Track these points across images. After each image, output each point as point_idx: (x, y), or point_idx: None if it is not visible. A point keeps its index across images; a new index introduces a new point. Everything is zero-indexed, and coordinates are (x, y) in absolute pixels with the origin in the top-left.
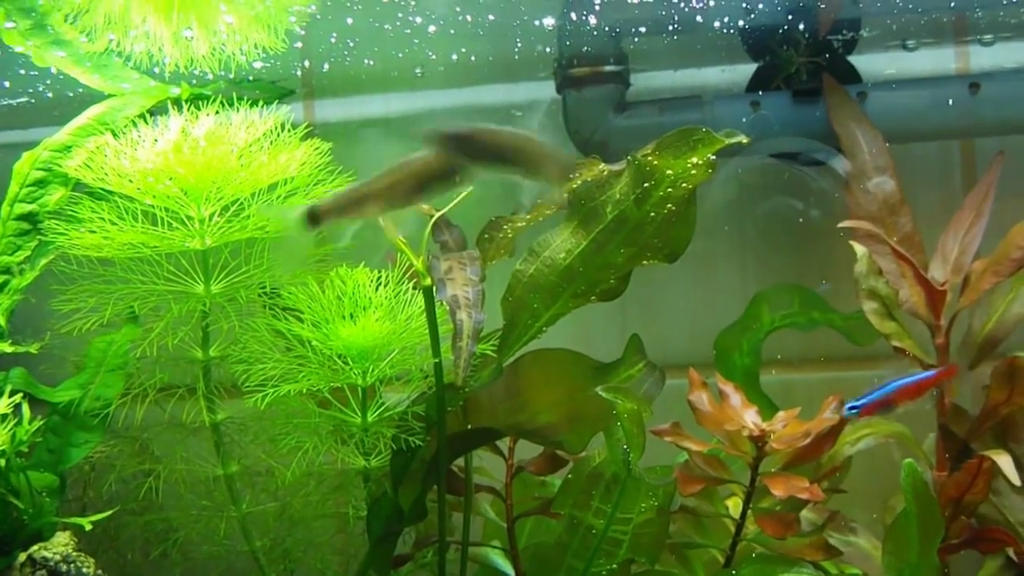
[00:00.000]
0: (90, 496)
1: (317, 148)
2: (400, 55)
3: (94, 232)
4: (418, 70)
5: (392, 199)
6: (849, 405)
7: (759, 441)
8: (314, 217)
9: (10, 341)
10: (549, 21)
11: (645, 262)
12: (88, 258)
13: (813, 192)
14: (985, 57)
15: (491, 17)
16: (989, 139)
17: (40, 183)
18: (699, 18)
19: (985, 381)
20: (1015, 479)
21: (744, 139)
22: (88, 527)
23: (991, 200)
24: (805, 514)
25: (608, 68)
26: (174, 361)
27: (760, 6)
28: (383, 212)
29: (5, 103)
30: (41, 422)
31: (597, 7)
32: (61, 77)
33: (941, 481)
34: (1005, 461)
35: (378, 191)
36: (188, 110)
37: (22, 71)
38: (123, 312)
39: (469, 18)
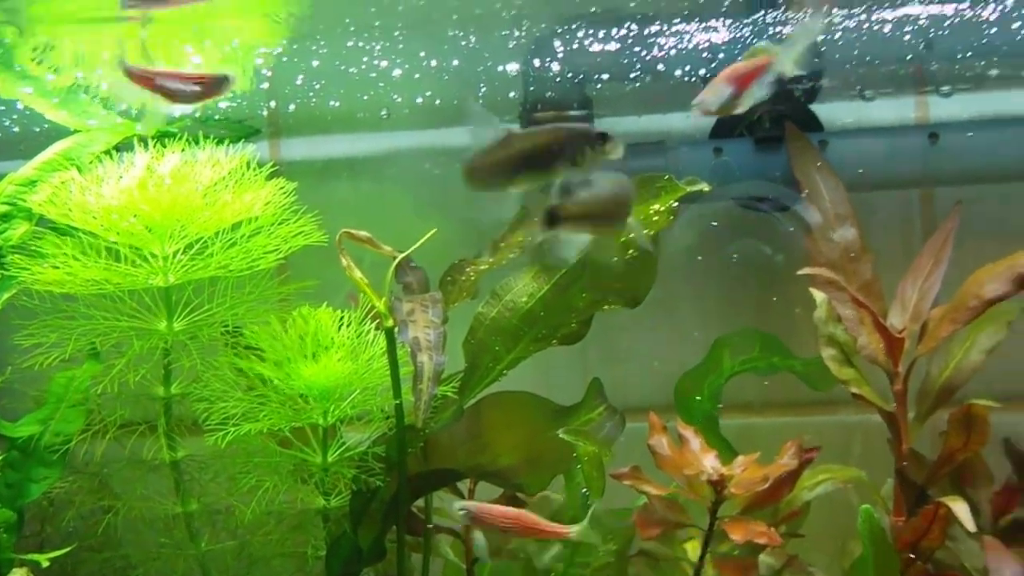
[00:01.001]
0: (48, 532)
1: (282, 187)
2: (365, 97)
3: (58, 267)
4: (384, 112)
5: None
6: None
7: (718, 486)
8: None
9: None
10: (513, 67)
11: (607, 307)
12: (51, 293)
13: (775, 237)
14: (944, 108)
15: (455, 62)
16: (948, 188)
17: (4, 217)
18: (661, 66)
19: (942, 427)
20: (971, 526)
21: (706, 187)
22: (45, 563)
23: (949, 248)
24: (763, 558)
25: (572, 112)
26: (135, 398)
27: (722, 55)
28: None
29: None
30: (1, 457)
31: (560, 54)
32: (27, 112)
33: (898, 526)
34: (961, 508)
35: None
36: (154, 147)
37: None
38: (85, 348)
39: (434, 63)
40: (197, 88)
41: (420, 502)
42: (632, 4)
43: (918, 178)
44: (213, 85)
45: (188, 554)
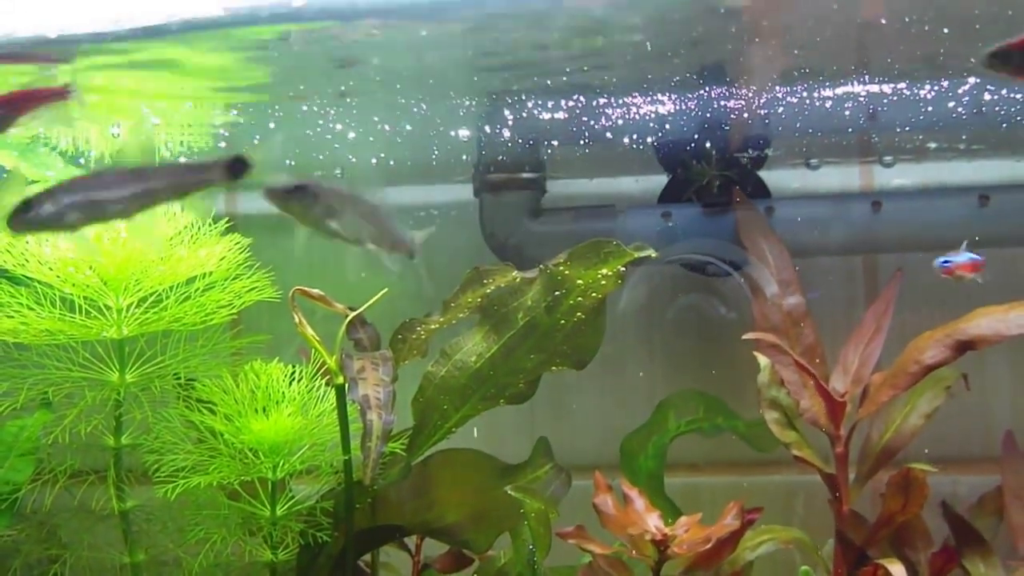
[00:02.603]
0: None
1: (237, 243)
2: (321, 157)
3: (11, 316)
4: (338, 171)
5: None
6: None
7: (661, 545)
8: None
9: None
10: (465, 133)
11: (554, 368)
12: (4, 342)
13: (721, 299)
14: (887, 176)
15: (408, 127)
16: (890, 255)
17: None
18: (609, 135)
19: (882, 490)
20: None
21: (652, 253)
22: None
23: (890, 314)
24: None
25: (524, 175)
26: (86, 447)
27: (668, 124)
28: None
29: None
30: None
31: (510, 121)
32: None
33: None
34: (898, 570)
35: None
36: None
37: None
38: (37, 397)
39: (387, 127)
40: None
41: (367, 557)
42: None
43: (862, 244)
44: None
45: None
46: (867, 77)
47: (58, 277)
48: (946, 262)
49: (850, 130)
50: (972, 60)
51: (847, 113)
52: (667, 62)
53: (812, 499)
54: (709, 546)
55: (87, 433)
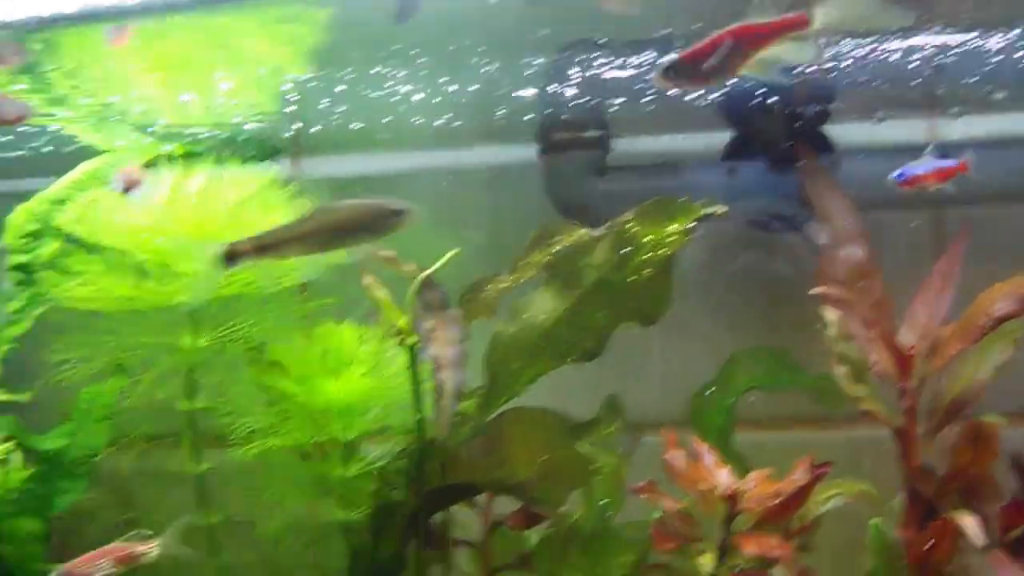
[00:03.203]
0: (72, 544)
1: (306, 206)
2: (386, 119)
3: (87, 285)
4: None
5: (310, 245)
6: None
7: (731, 500)
8: (232, 255)
9: (3, 389)
10: (530, 92)
11: (623, 325)
12: (80, 310)
13: (786, 255)
14: (953, 129)
15: (475, 88)
16: (958, 208)
17: (35, 235)
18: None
19: (952, 443)
20: (979, 540)
21: (721, 209)
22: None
23: (959, 268)
24: (776, 571)
25: (588, 133)
26: (160, 412)
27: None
28: (299, 255)
29: (3, 156)
30: (30, 470)
31: (578, 79)
32: (59, 132)
33: (908, 540)
34: (969, 522)
35: (297, 236)
36: (181, 167)
37: (22, 127)
38: (112, 363)
39: (454, 88)
40: None
41: (439, 515)
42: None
43: (929, 198)
44: None
45: (211, 566)
46: (933, 28)
47: (131, 244)
48: (900, 175)
49: (915, 82)
50: None
51: (913, 65)
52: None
53: (880, 454)
54: (779, 501)
55: (162, 398)
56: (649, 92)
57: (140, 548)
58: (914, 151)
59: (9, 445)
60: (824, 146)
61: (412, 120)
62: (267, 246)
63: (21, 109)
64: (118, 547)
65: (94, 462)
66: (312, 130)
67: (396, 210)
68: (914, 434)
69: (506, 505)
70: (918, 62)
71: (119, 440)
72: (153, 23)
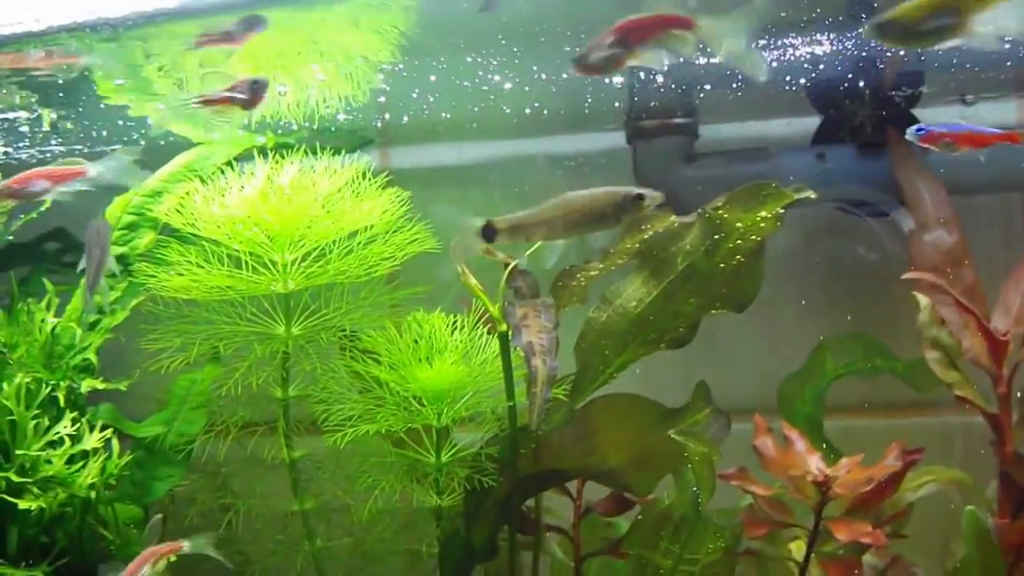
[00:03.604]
0: (170, 528)
1: (397, 196)
2: (476, 109)
3: (182, 275)
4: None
5: (555, 229)
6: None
7: (823, 486)
8: (489, 231)
9: (100, 378)
10: (618, 79)
11: (714, 311)
12: (175, 299)
13: (877, 240)
14: None
15: (564, 76)
16: None
17: (131, 227)
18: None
19: None
20: None
21: (812, 194)
22: (172, 559)
23: None
24: (867, 558)
25: (676, 120)
26: (255, 400)
27: (821, 64)
28: (544, 238)
29: (100, 150)
30: (128, 456)
31: (663, 67)
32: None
33: (1002, 528)
34: None
35: (546, 220)
36: (273, 158)
37: (120, 122)
38: (207, 352)
39: (544, 76)
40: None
41: (530, 501)
42: None
43: (1021, 182)
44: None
45: (304, 551)
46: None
47: (226, 235)
48: (920, 130)
49: (1007, 63)
50: None
51: (1004, 47)
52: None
53: (972, 441)
54: (871, 487)
55: (256, 385)
56: (737, 78)
57: (167, 548)
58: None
59: (107, 433)
60: None
61: (502, 109)
62: (518, 227)
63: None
64: (152, 551)
65: (190, 449)
66: (402, 120)
67: (638, 195)
68: (1008, 421)
69: (597, 491)
70: (1008, 44)
71: (215, 427)
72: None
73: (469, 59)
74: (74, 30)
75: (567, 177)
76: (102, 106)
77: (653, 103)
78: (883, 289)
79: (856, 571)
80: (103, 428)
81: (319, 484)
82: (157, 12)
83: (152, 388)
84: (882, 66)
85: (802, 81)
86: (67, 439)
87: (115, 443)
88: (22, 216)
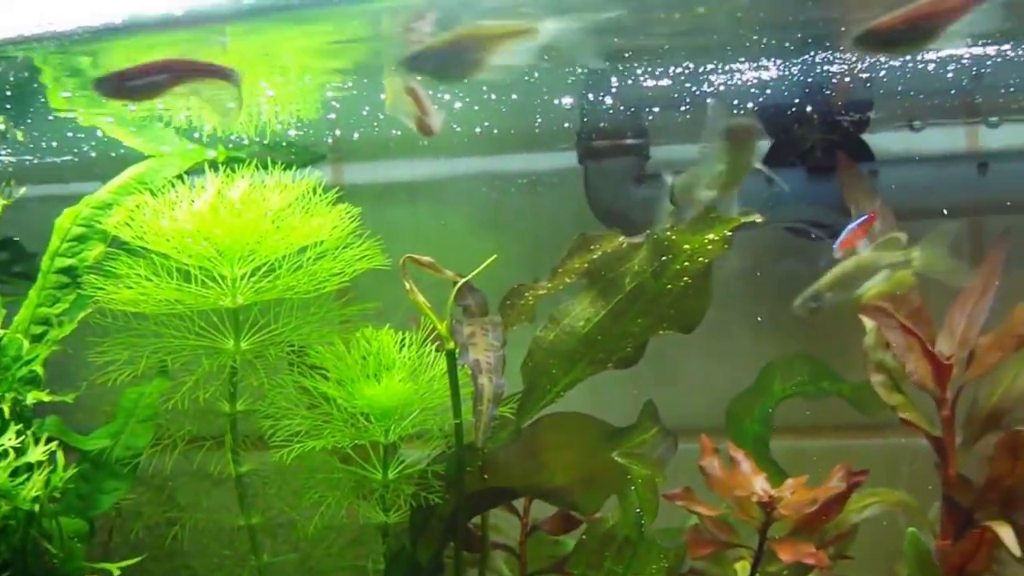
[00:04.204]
0: (115, 542)
1: (348, 212)
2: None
3: (131, 288)
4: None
5: None
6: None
7: (768, 507)
8: None
9: (47, 390)
10: (568, 100)
11: (661, 332)
12: (123, 312)
13: (826, 263)
14: (994, 138)
15: (514, 96)
16: (997, 216)
17: (80, 238)
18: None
19: (990, 453)
20: (1016, 550)
21: (759, 218)
22: (117, 573)
23: (997, 276)
24: None
25: (627, 141)
26: (202, 414)
27: (771, 89)
28: None
29: (51, 160)
30: (74, 469)
31: (614, 89)
32: (105, 138)
33: (945, 550)
34: (1007, 532)
35: None
36: (224, 172)
37: (70, 133)
38: (155, 365)
39: (493, 96)
40: None
41: (477, 519)
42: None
43: (967, 207)
44: None
45: (250, 566)
46: (970, 40)
47: (175, 248)
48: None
49: (953, 92)
50: None
51: (951, 75)
52: (769, 27)
53: (918, 463)
54: (815, 508)
55: (204, 400)
56: (687, 100)
57: None
58: (954, 159)
59: (53, 445)
60: (863, 154)
61: (452, 127)
62: None
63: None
64: None
65: (137, 462)
66: (352, 136)
67: None
68: (952, 443)
69: (544, 510)
70: (954, 72)
71: (162, 441)
72: (199, 34)
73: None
74: (20, 43)
75: (519, 195)
76: (51, 117)
77: (603, 124)
78: (833, 311)
79: None
80: (48, 440)
81: (266, 499)
82: (104, 27)
83: (99, 401)
84: (831, 92)
85: (751, 105)
86: (11, 451)
87: (60, 456)
88: None
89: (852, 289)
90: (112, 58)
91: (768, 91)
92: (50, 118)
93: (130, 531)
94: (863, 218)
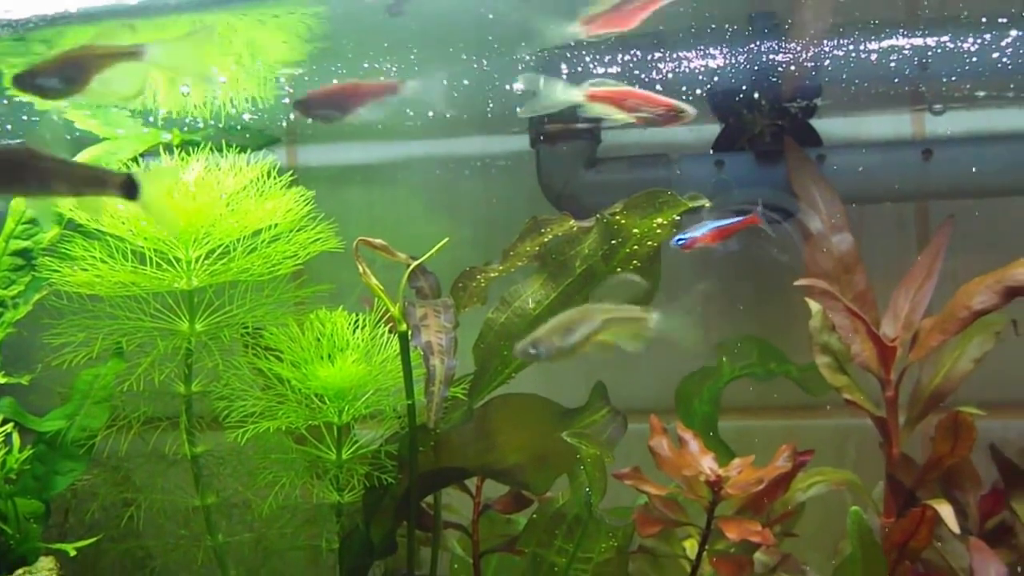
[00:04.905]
0: (71, 523)
1: (302, 195)
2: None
3: (86, 270)
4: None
5: None
6: (676, 238)
7: (715, 486)
8: None
9: (2, 372)
10: (520, 85)
11: None
12: (79, 294)
13: (774, 246)
14: (938, 124)
15: (465, 81)
16: (942, 201)
17: (35, 220)
18: (660, 86)
19: (931, 433)
20: (955, 527)
21: (707, 203)
22: (73, 553)
23: (941, 260)
24: (759, 556)
25: (578, 125)
26: (158, 395)
27: (720, 75)
28: None
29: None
30: (29, 451)
31: (565, 74)
32: (59, 121)
33: (887, 527)
34: (947, 510)
35: None
36: (179, 155)
37: (24, 116)
38: (110, 347)
39: (445, 82)
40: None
41: (429, 498)
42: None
43: (913, 192)
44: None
45: (206, 546)
46: (916, 29)
47: (130, 231)
48: (680, 240)
49: (897, 80)
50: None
51: (896, 63)
52: (718, 14)
53: (863, 443)
54: (761, 487)
55: (159, 381)
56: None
57: None
58: (900, 145)
59: (8, 427)
60: (811, 139)
61: (406, 111)
62: None
63: None
64: None
65: (92, 443)
66: (307, 120)
67: None
68: (895, 424)
69: (496, 489)
70: (897, 60)
71: (117, 422)
72: (153, 18)
73: (369, 64)
74: None
75: (472, 179)
76: (4, 100)
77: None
78: (780, 294)
79: (747, 569)
80: (4, 422)
81: (221, 480)
82: (59, 16)
83: (54, 382)
84: (780, 77)
85: (701, 91)
86: None
87: (16, 437)
88: None
89: (573, 337)
90: (65, 45)
91: (716, 77)
92: (4, 101)
93: (86, 512)
94: (723, 222)
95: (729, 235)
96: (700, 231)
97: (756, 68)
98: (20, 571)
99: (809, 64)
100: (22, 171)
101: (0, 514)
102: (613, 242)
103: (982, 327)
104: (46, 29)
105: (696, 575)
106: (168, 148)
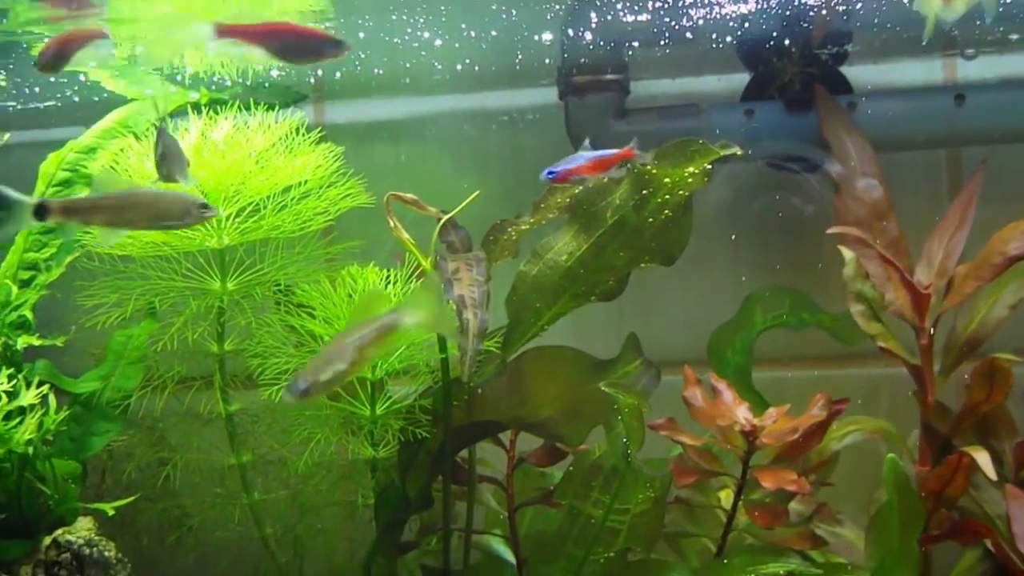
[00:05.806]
0: (108, 483)
1: (331, 152)
2: (407, 64)
3: None
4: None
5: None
6: (547, 171)
7: (750, 436)
8: (41, 211)
9: (37, 334)
10: (548, 36)
11: (643, 265)
12: (111, 255)
13: (806, 196)
14: (970, 70)
15: (494, 32)
16: (974, 148)
17: (66, 183)
18: (690, 34)
19: (967, 380)
20: (992, 474)
21: (739, 151)
22: (111, 513)
23: (974, 207)
24: (794, 506)
25: (607, 76)
26: (191, 354)
27: (748, 24)
28: (110, 227)
29: (34, 106)
30: (65, 412)
31: (594, 24)
32: (87, 82)
33: (923, 475)
34: (983, 457)
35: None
36: (207, 114)
37: (52, 78)
38: (143, 307)
39: (473, 33)
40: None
41: (464, 453)
42: None
43: (945, 138)
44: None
45: (242, 503)
46: None
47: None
48: (551, 173)
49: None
50: None
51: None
52: None
53: (897, 391)
54: (796, 436)
55: (192, 340)
56: (667, 35)
57: None
58: (932, 91)
59: (44, 389)
60: (841, 87)
61: (434, 65)
62: (73, 210)
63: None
64: None
65: (127, 404)
66: (335, 76)
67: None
68: (930, 372)
69: (530, 442)
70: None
71: (151, 382)
72: None
73: (397, 16)
74: None
75: (500, 132)
76: (33, 63)
77: (584, 59)
78: (812, 243)
79: (782, 518)
80: (40, 384)
81: (255, 437)
82: None
83: (88, 344)
84: (810, 25)
85: (731, 39)
86: (3, 395)
87: (52, 399)
88: None
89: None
90: None
91: (746, 24)
92: (32, 64)
93: (122, 472)
94: (598, 154)
95: (606, 168)
96: (574, 163)
97: (785, 14)
98: (59, 531)
99: (839, 9)
100: None
101: (38, 475)
102: (644, 192)
103: (1017, 273)
104: None
105: (732, 525)
106: (196, 107)
